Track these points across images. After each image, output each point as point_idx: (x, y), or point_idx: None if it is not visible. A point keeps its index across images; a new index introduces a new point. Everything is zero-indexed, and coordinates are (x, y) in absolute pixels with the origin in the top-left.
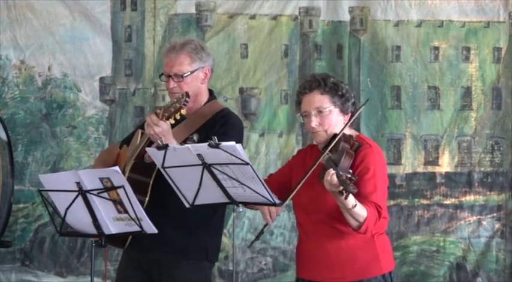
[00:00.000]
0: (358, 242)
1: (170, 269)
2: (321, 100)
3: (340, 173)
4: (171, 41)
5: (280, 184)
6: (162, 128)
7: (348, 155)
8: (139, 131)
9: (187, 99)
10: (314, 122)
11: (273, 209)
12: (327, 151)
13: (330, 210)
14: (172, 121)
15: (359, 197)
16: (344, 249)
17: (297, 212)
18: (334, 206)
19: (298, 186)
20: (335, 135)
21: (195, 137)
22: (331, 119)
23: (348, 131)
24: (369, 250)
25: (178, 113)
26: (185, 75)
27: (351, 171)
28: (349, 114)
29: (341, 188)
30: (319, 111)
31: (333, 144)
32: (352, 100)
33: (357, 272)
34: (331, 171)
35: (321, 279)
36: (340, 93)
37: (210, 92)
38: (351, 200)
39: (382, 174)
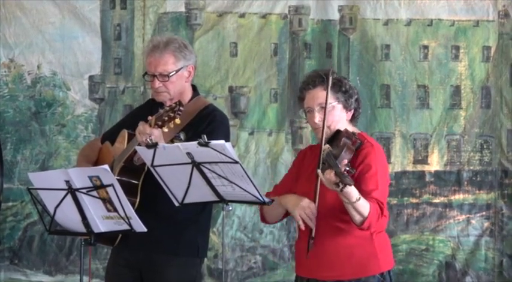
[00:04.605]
0: (357, 240)
1: (162, 268)
2: (324, 96)
3: (339, 167)
4: (154, 40)
5: (290, 190)
6: (154, 136)
7: (348, 150)
8: (126, 132)
9: (181, 108)
10: (317, 117)
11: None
12: (325, 146)
13: (328, 207)
14: (165, 130)
15: (361, 194)
16: (342, 247)
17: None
18: (332, 203)
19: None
20: (338, 131)
21: (181, 136)
22: (334, 115)
23: (350, 129)
24: (367, 248)
25: (172, 122)
26: (170, 74)
27: (349, 164)
28: (352, 111)
29: (338, 180)
30: (322, 107)
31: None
32: (356, 96)
33: (355, 270)
34: (331, 170)
35: (319, 277)
36: (343, 89)
37: (194, 88)
38: (355, 192)
39: (383, 173)
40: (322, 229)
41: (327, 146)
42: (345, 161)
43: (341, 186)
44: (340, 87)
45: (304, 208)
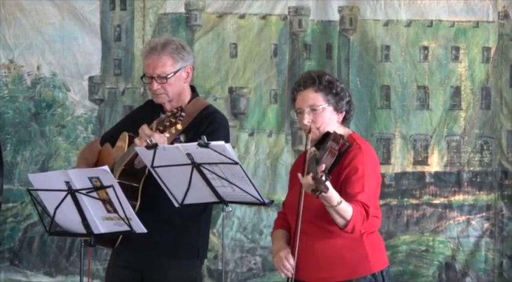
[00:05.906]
0: (346, 242)
1: (163, 270)
2: (315, 98)
3: (317, 173)
4: (151, 42)
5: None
6: (155, 139)
7: (330, 154)
8: (126, 135)
9: (182, 114)
10: (307, 119)
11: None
12: (311, 148)
13: (316, 210)
14: (167, 135)
15: (346, 196)
16: (331, 249)
17: (288, 212)
18: (320, 205)
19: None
20: (327, 134)
21: (181, 138)
22: (325, 117)
23: (341, 130)
24: (357, 249)
25: (174, 128)
26: (169, 76)
27: (326, 171)
28: (344, 113)
29: (314, 185)
30: (313, 109)
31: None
32: (347, 99)
33: (345, 272)
34: (309, 175)
35: (309, 279)
36: (334, 91)
37: (192, 88)
38: (335, 197)
39: (371, 174)
40: (311, 231)
41: (313, 148)
42: (322, 166)
43: (317, 193)
44: (331, 90)
45: (281, 259)
